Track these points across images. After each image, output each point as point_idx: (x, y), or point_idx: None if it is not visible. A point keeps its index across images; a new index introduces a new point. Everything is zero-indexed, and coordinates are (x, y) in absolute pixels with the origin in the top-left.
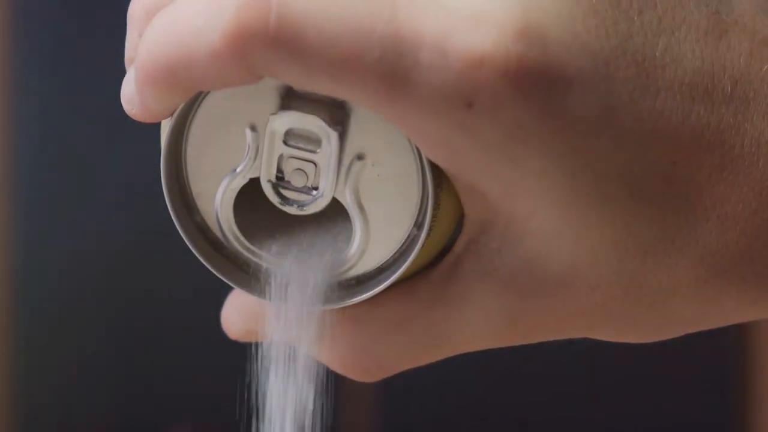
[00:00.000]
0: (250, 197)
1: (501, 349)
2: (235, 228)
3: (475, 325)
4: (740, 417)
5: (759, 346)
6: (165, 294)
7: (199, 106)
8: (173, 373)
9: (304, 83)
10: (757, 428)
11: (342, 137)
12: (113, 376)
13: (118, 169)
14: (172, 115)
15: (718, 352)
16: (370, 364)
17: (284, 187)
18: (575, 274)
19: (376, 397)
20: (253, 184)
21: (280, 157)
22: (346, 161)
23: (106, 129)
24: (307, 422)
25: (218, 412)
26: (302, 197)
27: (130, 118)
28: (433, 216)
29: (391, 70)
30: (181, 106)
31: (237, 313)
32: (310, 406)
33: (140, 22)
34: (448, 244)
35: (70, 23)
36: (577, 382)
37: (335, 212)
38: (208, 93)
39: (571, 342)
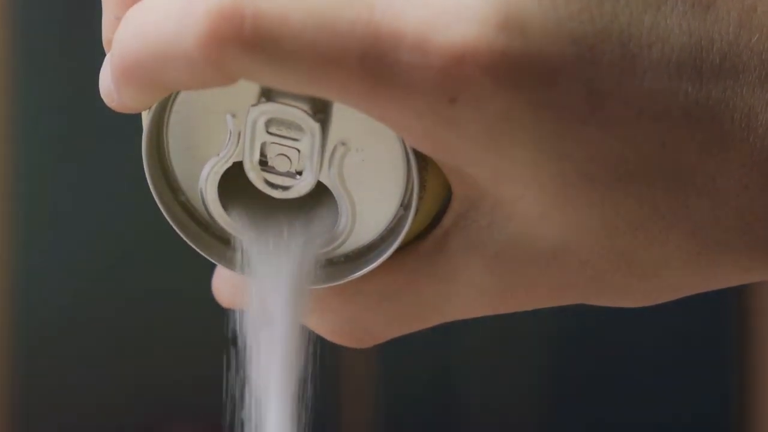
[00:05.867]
0: (235, 177)
1: (497, 343)
2: (220, 209)
3: (464, 297)
4: (740, 416)
5: (759, 343)
6: (165, 293)
7: (176, 96)
8: (173, 372)
9: (282, 86)
10: (758, 428)
11: (324, 126)
12: (113, 376)
13: (119, 169)
14: (150, 107)
15: (718, 351)
16: (361, 333)
17: (268, 172)
18: (565, 251)
19: (376, 390)
20: (238, 165)
21: (263, 143)
22: (329, 147)
23: (106, 127)
24: (300, 399)
25: (219, 412)
26: (286, 181)
27: (129, 114)
28: (420, 196)
29: (372, 71)
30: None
31: (226, 283)
32: (303, 381)
33: (115, 6)
34: (437, 216)
35: (70, 21)
36: (578, 381)
37: (322, 193)
38: None
39: (571, 340)
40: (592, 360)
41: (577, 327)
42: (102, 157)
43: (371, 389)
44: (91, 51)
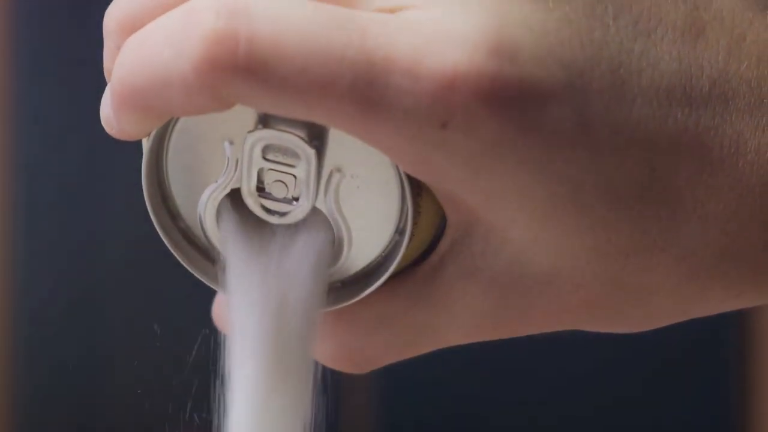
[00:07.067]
0: (233, 204)
1: (498, 347)
2: (219, 234)
3: (459, 322)
4: (740, 417)
5: (759, 346)
6: (165, 294)
7: (175, 123)
8: (172, 372)
9: (276, 111)
10: (758, 428)
11: (320, 152)
12: (113, 376)
13: (120, 169)
14: (149, 134)
15: (718, 352)
16: (357, 358)
17: (265, 197)
18: (558, 276)
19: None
20: (236, 191)
21: (260, 170)
22: (325, 174)
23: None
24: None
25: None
26: (283, 207)
27: None
28: (414, 222)
29: (364, 96)
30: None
31: (226, 308)
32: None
33: (115, 35)
34: (432, 243)
35: (70, 23)
36: (578, 382)
37: (317, 218)
38: None
39: (571, 342)
40: (593, 364)
41: (579, 330)
42: (103, 158)
43: (370, 415)
44: (93, 62)
